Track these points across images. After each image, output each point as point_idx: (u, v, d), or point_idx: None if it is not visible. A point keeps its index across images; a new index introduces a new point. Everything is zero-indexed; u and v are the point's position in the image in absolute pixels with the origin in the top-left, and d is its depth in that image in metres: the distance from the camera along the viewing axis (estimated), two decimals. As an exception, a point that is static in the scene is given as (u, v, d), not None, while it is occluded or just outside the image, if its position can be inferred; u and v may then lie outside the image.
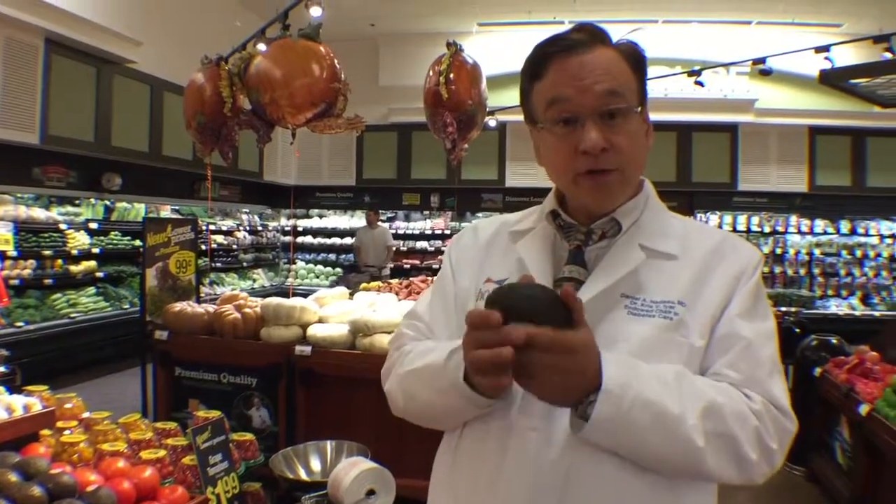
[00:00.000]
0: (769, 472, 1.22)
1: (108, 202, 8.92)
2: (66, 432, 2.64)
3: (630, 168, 1.31)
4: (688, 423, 1.15)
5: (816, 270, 11.25)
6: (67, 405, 2.94)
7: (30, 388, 2.87)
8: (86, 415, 2.92)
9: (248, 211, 12.52)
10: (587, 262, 1.35)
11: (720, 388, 1.21)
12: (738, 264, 1.33)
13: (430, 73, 4.29)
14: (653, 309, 1.27)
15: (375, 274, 10.52)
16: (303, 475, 2.54)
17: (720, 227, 11.18)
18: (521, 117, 1.45)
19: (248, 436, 3.00)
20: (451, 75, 4.27)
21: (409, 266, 12.04)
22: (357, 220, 13.02)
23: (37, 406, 2.57)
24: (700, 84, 8.48)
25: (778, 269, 11.34)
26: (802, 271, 11.28)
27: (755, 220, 11.48)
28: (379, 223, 11.44)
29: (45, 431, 2.60)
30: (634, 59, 1.32)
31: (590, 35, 1.30)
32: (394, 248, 11.33)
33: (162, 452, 2.58)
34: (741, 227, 11.47)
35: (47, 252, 7.67)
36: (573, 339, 1.09)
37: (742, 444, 1.17)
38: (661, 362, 1.23)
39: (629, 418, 1.13)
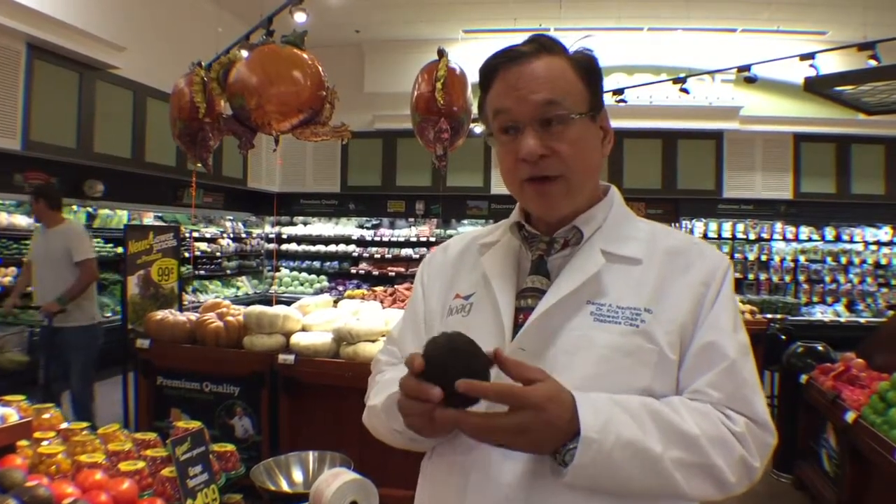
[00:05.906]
0: (749, 485, 1.24)
1: (90, 209, 8.83)
2: (44, 443, 2.59)
3: (575, 175, 1.30)
4: (667, 457, 1.14)
5: (801, 277, 11.30)
6: (45, 415, 2.89)
7: (7, 398, 2.82)
8: (64, 425, 2.87)
9: (231, 218, 12.43)
10: (550, 271, 1.35)
11: (695, 412, 1.20)
12: (705, 271, 1.32)
13: (420, 79, 4.25)
14: (619, 315, 1.26)
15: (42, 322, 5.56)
16: (284, 486, 2.50)
17: (706, 234, 11.29)
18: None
19: (229, 447, 2.95)
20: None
21: (393, 274, 11.98)
22: (342, 227, 12.92)
23: (14, 416, 2.52)
24: (685, 91, 8.49)
25: (763, 276, 11.38)
26: (788, 278, 11.32)
27: (740, 227, 11.51)
28: (66, 219, 5.92)
29: (23, 442, 2.54)
30: (585, 67, 1.33)
31: (537, 46, 1.31)
32: (95, 265, 5.75)
33: (141, 464, 2.53)
34: (726, 234, 11.49)
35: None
36: (523, 395, 1.10)
37: (722, 471, 1.18)
38: (629, 369, 1.23)
39: (610, 461, 1.12)
